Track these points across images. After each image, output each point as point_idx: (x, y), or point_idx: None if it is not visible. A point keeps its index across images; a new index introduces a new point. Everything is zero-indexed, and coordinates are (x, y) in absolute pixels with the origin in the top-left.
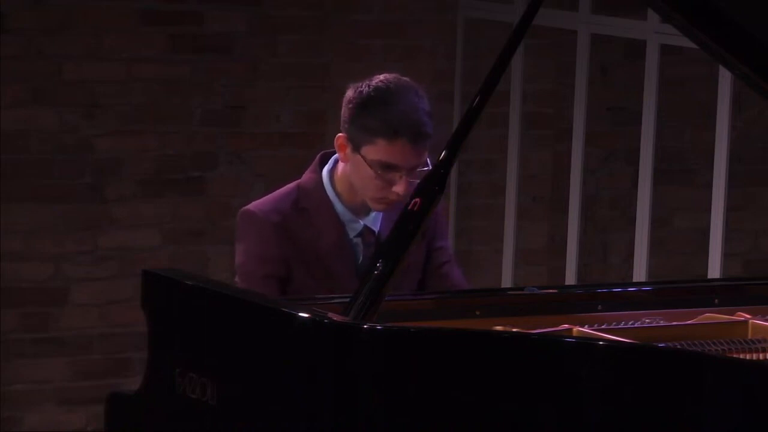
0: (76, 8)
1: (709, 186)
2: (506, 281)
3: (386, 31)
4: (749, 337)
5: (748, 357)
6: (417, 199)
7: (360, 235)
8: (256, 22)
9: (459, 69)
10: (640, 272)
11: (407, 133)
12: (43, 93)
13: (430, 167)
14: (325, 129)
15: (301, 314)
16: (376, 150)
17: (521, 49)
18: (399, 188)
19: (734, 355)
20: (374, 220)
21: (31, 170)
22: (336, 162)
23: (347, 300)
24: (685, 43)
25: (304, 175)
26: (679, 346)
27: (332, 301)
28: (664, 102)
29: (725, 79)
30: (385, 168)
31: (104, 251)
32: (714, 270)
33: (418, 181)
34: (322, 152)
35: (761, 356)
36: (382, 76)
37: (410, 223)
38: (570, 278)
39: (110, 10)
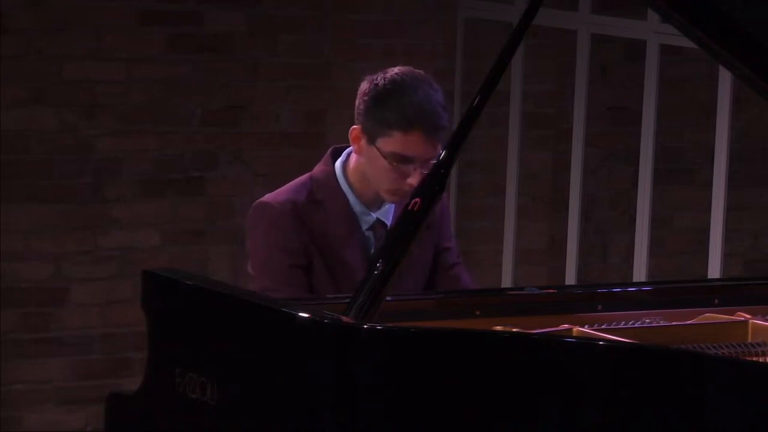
0: (76, 8)
1: (709, 186)
2: (506, 281)
3: (386, 31)
4: (749, 337)
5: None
6: (417, 199)
7: (372, 228)
8: (256, 22)
9: (459, 69)
10: (640, 272)
11: (422, 125)
12: (43, 93)
13: None
14: (325, 129)
15: (301, 314)
16: (392, 142)
17: (521, 49)
18: (413, 180)
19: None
20: (386, 213)
21: (31, 170)
22: (348, 155)
23: (347, 300)
24: (685, 43)
25: (316, 168)
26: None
27: (333, 301)
28: (664, 102)
29: (725, 79)
30: (400, 160)
31: (104, 251)
32: (714, 270)
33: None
34: (333, 147)
35: (761, 360)
36: (396, 69)
37: (410, 224)
38: (570, 278)
39: (110, 10)
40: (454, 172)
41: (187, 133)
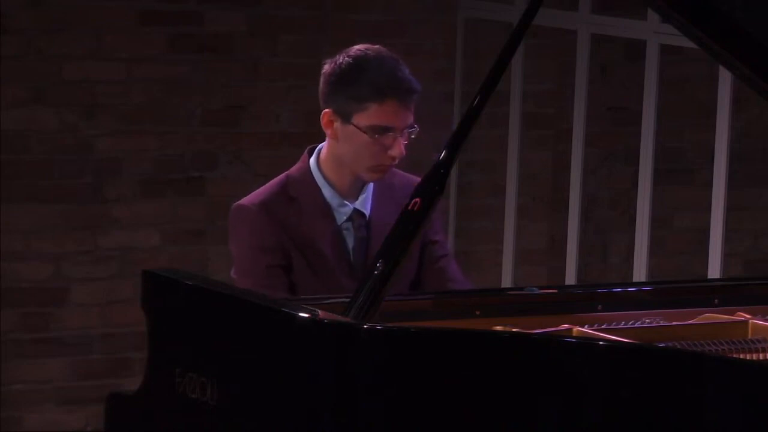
0: (76, 8)
1: (709, 186)
2: (506, 281)
3: (386, 31)
4: (749, 337)
5: (748, 357)
6: (417, 200)
7: (350, 219)
8: (256, 22)
9: (459, 69)
10: (640, 272)
11: (395, 92)
12: (43, 93)
13: (418, 128)
14: None
15: (301, 314)
16: (368, 115)
17: (521, 49)
18: (394, 151)
19: (734, 355)
20: (364, 203)
21: (31, 170)
22: (320, 150)
23: (347, 300)
24: (685, 43)
25: (293, 167)
26: (679, 346)
27: (332, 301)
28: (664, 102)
29: (725, 79)
30: (380, 131)
31: (104, 251)
32: (714, 270)
33: (407, 142)
34: (310, 145)
35: (761, 356)
36: (356, 47)
37: (410, 224)
38: (570, 278)
39: (110, 10)
40: (454, 172)
41: (187, 133)
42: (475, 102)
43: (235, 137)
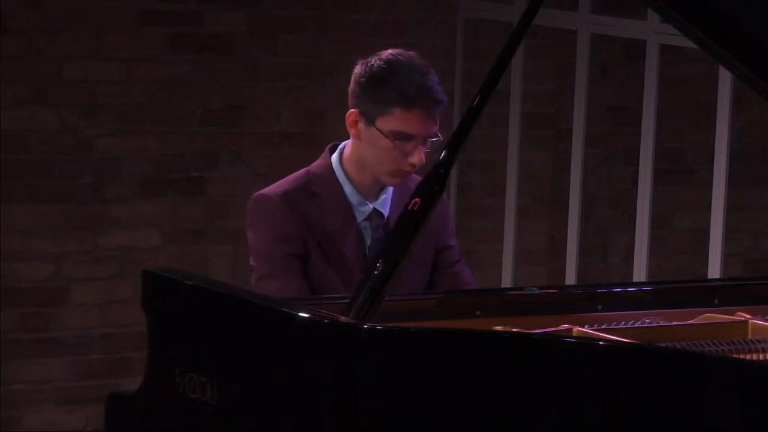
0: (76, 8)
1: (709, 186)
2: (506, 281)
3: (386, 31)
4: (749, 337)
5: (748, 357)
6: (417, 199)
7: (368, 218)
8: (256, 22)
9: (459, 69)
10: (640, 272)
11: (422, 101)
12: (43, 93)
13: (441, 138)
14: (324, 129)
15: (301, 314)
16: (393, 120)
17: (521, 49)
18: (414, 159)
19: (734, 356)
20: (383, 204)
21: (31, 170)
22: (344, 148)
23: (347, 300)
24: (685, 43)
25: (314, 163)
26: (679, 346)
27: (333, 302)
28: (664, 102)
29: (725, 79)
30: (402, 138)
31: (104, 251)
32: (714, 270)
33: (429, 150)
34: (332, 143)
35: (761, 357)
36: (389, 51)
37: (410, 224)
38: (570, 278)
39: (110, 10)
40: (454, 172)
41: (187, 133)
42: (475, 102)
43: (235, 137)
